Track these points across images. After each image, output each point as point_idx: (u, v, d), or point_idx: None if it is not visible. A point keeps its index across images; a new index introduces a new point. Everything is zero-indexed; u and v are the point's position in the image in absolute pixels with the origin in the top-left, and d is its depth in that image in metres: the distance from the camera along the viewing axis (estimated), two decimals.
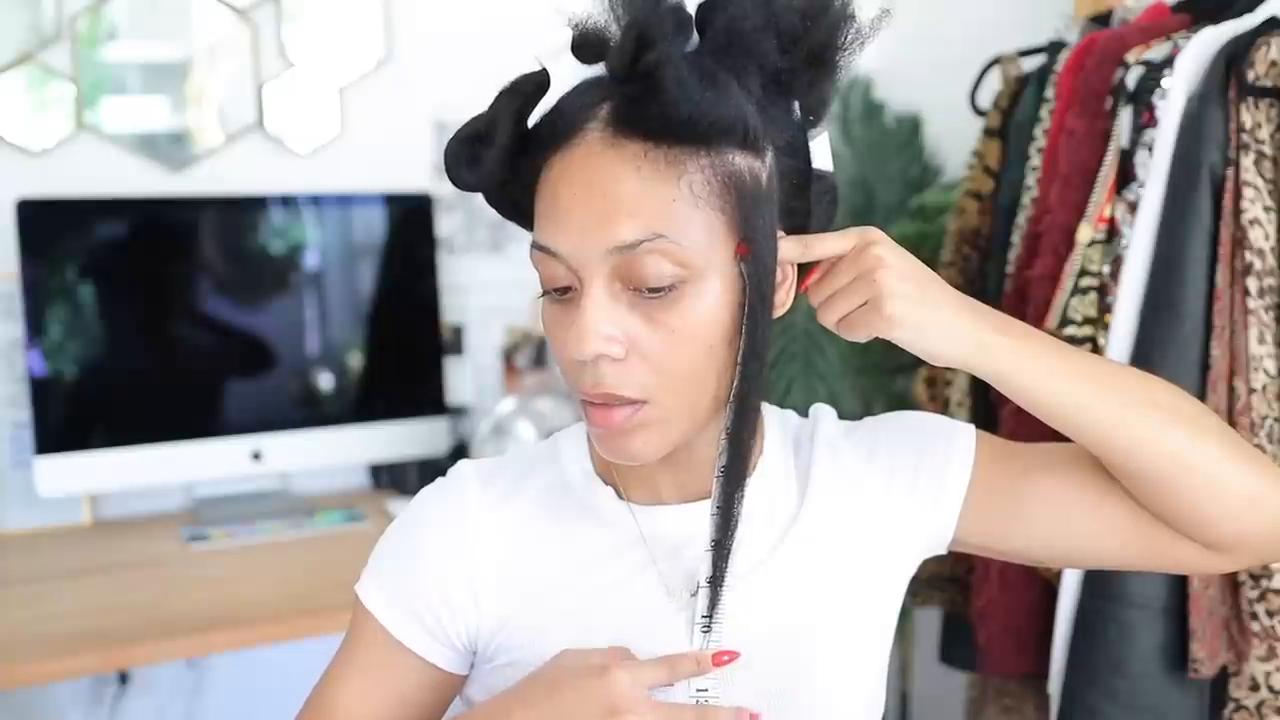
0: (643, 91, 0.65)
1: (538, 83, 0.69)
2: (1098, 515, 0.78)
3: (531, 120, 0.70)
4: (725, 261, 0.68)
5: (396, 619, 0.77)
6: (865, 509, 0.81)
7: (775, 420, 0.84)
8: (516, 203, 0.74)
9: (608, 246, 0.66)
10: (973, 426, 0.83)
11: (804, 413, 0.87)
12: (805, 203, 0.72)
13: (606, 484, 0.79)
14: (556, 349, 0.71)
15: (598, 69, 0.69)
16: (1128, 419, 0.72)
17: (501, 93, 0.71)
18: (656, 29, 0.65)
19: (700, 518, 0.75)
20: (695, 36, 0.68)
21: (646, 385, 0.68)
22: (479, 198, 0.75)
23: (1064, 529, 0.79)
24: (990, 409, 1.48)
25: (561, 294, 0.70)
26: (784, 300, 0.73)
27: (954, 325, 0.70)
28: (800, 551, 0.78)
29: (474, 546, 0.77)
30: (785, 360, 1.87)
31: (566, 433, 0.84)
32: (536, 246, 0.70)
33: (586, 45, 0.68)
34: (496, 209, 0.75)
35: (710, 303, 0.68)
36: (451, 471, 0.82)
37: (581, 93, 0.69)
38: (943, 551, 0.84)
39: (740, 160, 0.68)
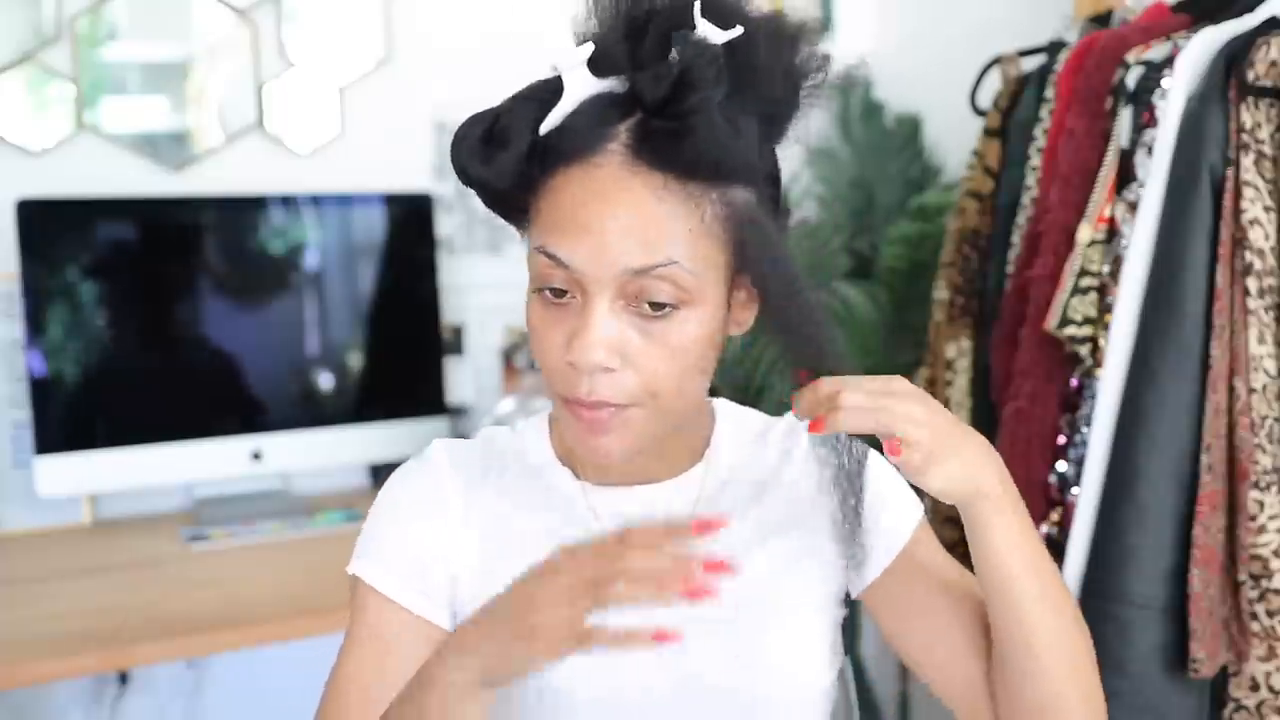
0: (677, 129, 0.68)
1: (553, 90, 0.71)
2: (960, 659, 0.83)
3: (544, 128, 0.71)
4: (719, 288, 0.73)
5: (386, 579, 0.81)
6: (816, 523, 0.86)
7: (730, 417, 0.90)
8: (510, 202, 0.76)
9: (623, 267, 0.70)
10: (921, 510, 0.89)
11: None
12: (776, 221, 0.77)
13: (564, 466, 0.85)
14: (542, 348, 0.74)
15: (609, 83, 0.71)
16: (1045, 620, 0.76)
17: (518, 96, 0.73)
18: (701, 75, 0.68)
19: (645, 497, 0.83)
20: None
21: (635, 394, 0.73)
22: (479, 198, 0.76)
23: (928, 651, 0.85)
24: (990, 409, 1.48)
25: (556, 295, 0.72)
26: (747, 320, 0.79)
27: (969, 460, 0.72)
28: (751, 539, 0.84)
29: (447, 510, 0.83)
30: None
31: (530, 421, 0.89)
32: (544, 252, 0.72)
33: (605, 61, 0.70)
34: (488, 203, 0.77)
35: (701, 325, 0.73)
36: (423, 452, 0.87)
37: (596, 108, 0.71)
38: (851, 596, 0.89)
39: (742, 195, 0.72)
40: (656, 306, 0.71)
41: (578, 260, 0.70)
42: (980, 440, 0.74)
